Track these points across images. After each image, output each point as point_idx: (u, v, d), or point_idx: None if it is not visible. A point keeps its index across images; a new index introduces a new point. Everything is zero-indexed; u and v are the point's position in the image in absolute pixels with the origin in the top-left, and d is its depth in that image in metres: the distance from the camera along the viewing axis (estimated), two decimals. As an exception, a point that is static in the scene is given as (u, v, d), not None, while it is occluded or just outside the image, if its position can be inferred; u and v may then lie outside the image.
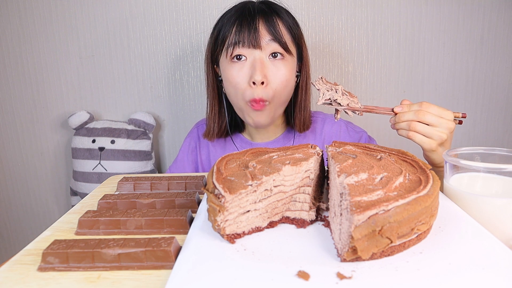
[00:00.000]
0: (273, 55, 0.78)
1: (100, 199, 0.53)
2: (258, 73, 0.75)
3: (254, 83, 0.76)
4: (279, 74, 0.78)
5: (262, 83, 0.76)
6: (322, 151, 0.54)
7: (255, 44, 0.76)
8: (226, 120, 0.90)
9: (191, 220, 0.48)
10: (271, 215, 0.46)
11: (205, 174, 0.67)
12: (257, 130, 0.91)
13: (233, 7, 0.83)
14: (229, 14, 0.81)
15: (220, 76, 0.86)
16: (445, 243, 0.39)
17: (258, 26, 0.77)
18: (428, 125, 0.64)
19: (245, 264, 0.37)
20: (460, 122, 0.68)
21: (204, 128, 0.98)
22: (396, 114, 0.66)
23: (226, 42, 0.79)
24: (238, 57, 0.78)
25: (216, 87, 0.88)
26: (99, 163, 1.17)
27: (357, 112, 0.67)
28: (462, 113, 0.67)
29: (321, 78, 0.65)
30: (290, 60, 0.81)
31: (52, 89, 1.26)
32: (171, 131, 1.31)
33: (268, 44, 0.77)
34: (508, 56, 1.22)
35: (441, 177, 0.55)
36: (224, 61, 0.81)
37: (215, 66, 0.87)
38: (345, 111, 0.67)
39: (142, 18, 1.20)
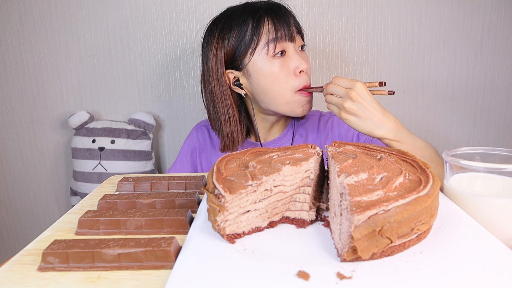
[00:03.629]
0: (300, 47, 0.84)
1: (100, 199, 0.53)
2: (303, 62, 0.81)
3: (300, 72, 0.81)
4: (308, 63, 0.84)
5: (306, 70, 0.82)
6: (322, 151, 0.54)
7: (292, 37, 0.80)
8: (245, 125, 0.90)
9: (191, 220, 0.48)
10: (271, 215, 0.46)
11: (205, 174, 0.67)
12: (267, 131, 0.93)
13: (237, 9, 0.82)
14: (249, 15, 0.79)
15: (237, 80, 0.84)
16: (445, 243, 0.39)
17: (291, 21, 0.81)
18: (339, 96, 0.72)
19: (245, 264, 0.37)
20: (391, 93, 0.73)
21: (203, 130, 0.97)
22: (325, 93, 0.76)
23: (262, 41, 0.79)
24: (281, 52, 0.80)
25: (231, 94, 0.85)
26: (99, 163, 1.17)
27: None
28: (379, 82, 0.74)
29: None
30: None
31: (52, 89, 1.26)
32: (171, 131, 1.31)
33: (297, 36, 0.82)
34: (508, 56, 1.22)
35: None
36: (260, 60, 0.80)
37: (226, 71, 0.84)
38: None
39: (142, 18, 1.20)
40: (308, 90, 0.82)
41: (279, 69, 0.79)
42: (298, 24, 0.84)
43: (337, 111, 0.73)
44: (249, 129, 0.93)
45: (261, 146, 0.92)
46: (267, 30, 0.78)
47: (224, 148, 0.89)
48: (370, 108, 0.69)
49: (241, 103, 0.89)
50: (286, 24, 0.79)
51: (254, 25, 0.79)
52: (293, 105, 0.82)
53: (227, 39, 0.81)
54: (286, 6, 0.84)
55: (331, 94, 0.73)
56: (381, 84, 0.73)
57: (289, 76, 0.80)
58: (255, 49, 0.79)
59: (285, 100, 0.82)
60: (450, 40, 1.21)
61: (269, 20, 0.79)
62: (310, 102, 0.85)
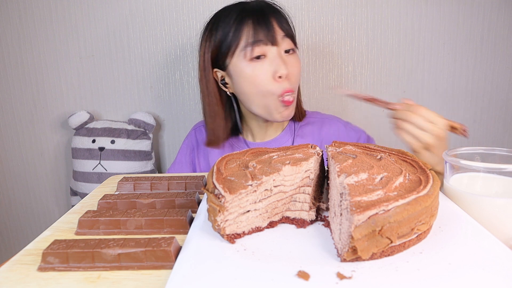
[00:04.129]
0: (287, 51, 0.81)
1: (100, 199, 0.53)
2: (283, 67, 0.78)
3: (279, 77, 0.79)
4: (295, 68, 0.82)
5: (286, 76, 0.79)
6: (322, 151, 0.54)
7: (273, 41, 0.78)
8: (233, 122, 0.90)
9: (191, 220, 0.48)
10: (271, 215, 0.46)
11: (205, 174, 0.67)
12: (261, 129, 0.92)
13: (229, 8, 0.82)
14: (234, 15, 0.80)
15: (223, 79, 0.86)
16: (445, 243, 0.39)
17: (273, 23, 0.79)
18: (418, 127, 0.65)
19: (245, 264, 0.37)
20: (462, 133, 0.66)
21: (201, 130, 0.97)
22: (392, 110, 0.69)
23: (241, 43, 0.79)
24: (258, 56, 0.79)
25: (218, 92, 0.87)
26: (99, 163, 1.17)
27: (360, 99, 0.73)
28: (462, 127, 0.66)
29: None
30: (297, 53, 0.85)
31: (52, 89, 1.26)
32: (171, 131, 1.31)
33: (282, 40, 0.80)
34: (508, 56, 1.22)
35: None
36: (239, 62, 0.80)
37: (214, 70, 0.86)
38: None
39: (142, 18, 1.20)
40: (372, 102, 0.71)
41: (257, 73, 0.79)
42: (288, 27, 0.82)
43: (413, 142, 0.66)
44: (240, 127, 0.94)
45: (247, 146, 0.93)
46: (247, 33, 0.78)
47: (208, 143, 0.91)
48: (444, 147, 0.66)
49: (235, 101, 0.90)
50: (267, 27, 0.78)
51: (236, 27, 0.79)
52: (271, 109, 0.82)
53: (213, 39, 0.82)
54: (278, 8, 0.83)
55: (406, 121, 0.66)
56: (463, 132, 0.66)
57: (268, 81, 0.79)
58: (234, 51, 0.80)
59: (263, 103, 0.81)
60: (450, 40, 1.21)
61: (250, 22, 0.78)
62: (290, 109, 0.83)
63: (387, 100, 0.70)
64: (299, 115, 0.93)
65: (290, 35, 0.81)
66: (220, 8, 0.86)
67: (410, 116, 0.65)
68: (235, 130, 0.94)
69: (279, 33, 0.79)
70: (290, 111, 0.83)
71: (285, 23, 0.81)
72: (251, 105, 0.84)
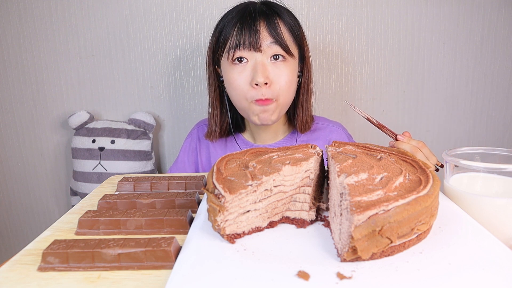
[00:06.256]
0: (275, 57, 0.78)
1: (100, 199, 0.53)
2: (260, 75, 0.76)
3: (256, 84, 0.77)
4: (281, 76, 0.79)
5: (266, 84, 0.77)
6: (322, 151, 0.54)
7: (256, 47, 0.76)
8: (227, 120, 0.90)
9: (191, 220, 0.48)
10: (271, 215, 0.46)
11: (205, 174, 0.67)
12: (259, 131, 0.91)
13: (234, 8, 0.82)
14: (230, 16, 0.80)
15: (222, 77, 0.86)
16: (445, 243, 0.39)
17: (259, 29, 0.77)
18: None
19: (245, 264, 0.37)
20: (437, 170, 0.74)
21: (204, 129, 0.98)
22: (397, 140, 0.73)
23: (227, 45, 0.79)
24: (239, 59, 0.78)
25: (218, 88, 0.88)
26: (99, 163, 1.17)
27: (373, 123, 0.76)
28: (441, 164, 0.73)
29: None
30: (292, 61, 0.81)
31: (52, 89, 1.26)
32: (171, 131, 1.31)
33: (269, 46, 0.77)
34: (508, 56, 1.22)
35: None
36: (225, 63, 0.81)
37: (216, 66, 0.87)
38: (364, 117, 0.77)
39: (142, 18, 1.20)
40: (381, 129, 0.75)
41: (236, 76, 0.79)
42: (279, 33, 0.77)
43: None
44: (241, 126, 0.94)
45: (239, 147, 0.93)
46: (233, 35, 0.78)
47: (206, 135, 0.93)
48: None
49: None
50: (249, 32, 0.76)
51: (226, 27, 0.79)
52: (249, 113, 0.82)
53: (213, 35, 0.84)
54: (284, 12, 0.80)
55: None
56: (442, 166, 0.73)
57: (245, 86, 0.78)
58: (222, 51, 0.81)
59: (242, 106, 0.82)
60: (450, 40, 1.21)
61: (237, 25, 0.78)
62: (269, 111, 0.80)
63: (394, 130, 0.75)
64: (303, 126, 0.89)
65: (280, 42, 0.77)
66: (227, 7, 0.86)
67: (414, 151, 0.70)
68: (238, 129, 0.94)
69: (266, 39, 0.77)
70: (269, 115, 0.80)
71: (280, 29, 0.77)
72: (235, 105, 0.85)
